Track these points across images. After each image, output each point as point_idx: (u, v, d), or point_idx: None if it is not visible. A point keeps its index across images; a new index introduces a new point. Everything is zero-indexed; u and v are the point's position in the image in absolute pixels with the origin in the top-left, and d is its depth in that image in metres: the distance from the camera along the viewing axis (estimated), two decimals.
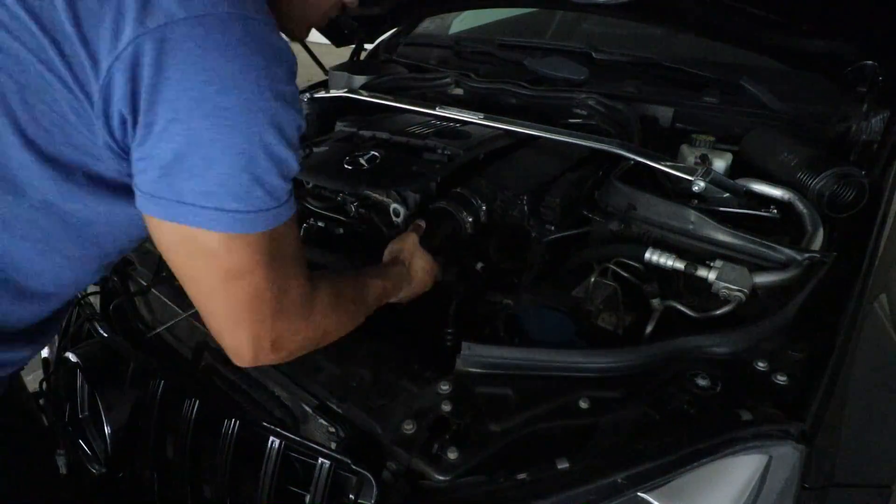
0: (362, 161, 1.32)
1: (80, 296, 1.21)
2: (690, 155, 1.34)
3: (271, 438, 0.86)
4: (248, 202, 0.66)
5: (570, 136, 1.38)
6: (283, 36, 0.77)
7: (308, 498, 0.83)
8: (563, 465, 0.74)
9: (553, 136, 1.40)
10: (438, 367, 0.93)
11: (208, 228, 0.66)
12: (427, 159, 1.34)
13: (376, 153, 1.34)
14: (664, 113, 1.63)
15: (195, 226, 0.66)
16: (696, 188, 1.19)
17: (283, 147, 0.67)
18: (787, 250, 1.05)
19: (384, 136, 1.45)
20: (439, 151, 1.36)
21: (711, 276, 1.03)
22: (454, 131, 1.49)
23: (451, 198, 1.20)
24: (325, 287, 0.82)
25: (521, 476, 0.74)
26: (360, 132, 1.50)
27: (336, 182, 1.31)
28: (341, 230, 1.29)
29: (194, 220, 0.66)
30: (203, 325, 1.07)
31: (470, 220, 1.18)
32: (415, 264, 1.06)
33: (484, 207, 1.20)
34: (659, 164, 1.24)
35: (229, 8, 0.64)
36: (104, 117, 0.65)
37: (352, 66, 2.08)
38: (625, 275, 1.10)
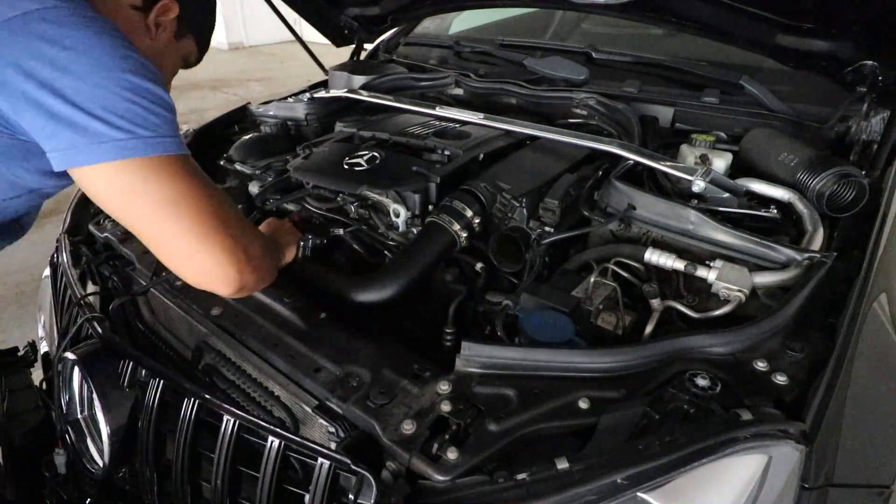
0: (362, 161, 1.32)
1: (80, 296, 1.21)
2: (690, 155, 1.34)
3: (271, 438, 0.86)
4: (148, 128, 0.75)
5: (570, 136, 1.38)
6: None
7: (307, 498, 0.83)
8: (563, 465, 0.74)
9: (553, 136, 1.40)
10: (438, 367, 0.93)
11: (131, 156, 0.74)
12: (427, 159, 1.34)
13: (376, 153, 1.34)
14: (664, 113, 1.64)
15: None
16: (696, 188, 1.19)
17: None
18: (787, 250, 1.04)
19: (384, 136, 1.45)
20: (439, 152, 1.36)
21: (711, 276, 1.03)
22: (454, 131, 1.49)
23: (443, 210, 1.19)
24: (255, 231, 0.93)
25: (521, 476, 0.74)
26: (360, 132, 1.50)
27: (335, 182, 1.31)
28: (341, 231, 1.29)
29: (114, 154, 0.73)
30: (202, 325, 1.08)
31: (464, 234, 1.17)
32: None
33: (477, 219, 1.18)
34: (659, 164, 1.24)
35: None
36: None
37: (352, 66, 2.08)
38: (625, 275, 1.10)
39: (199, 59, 1.15)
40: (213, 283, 0.82)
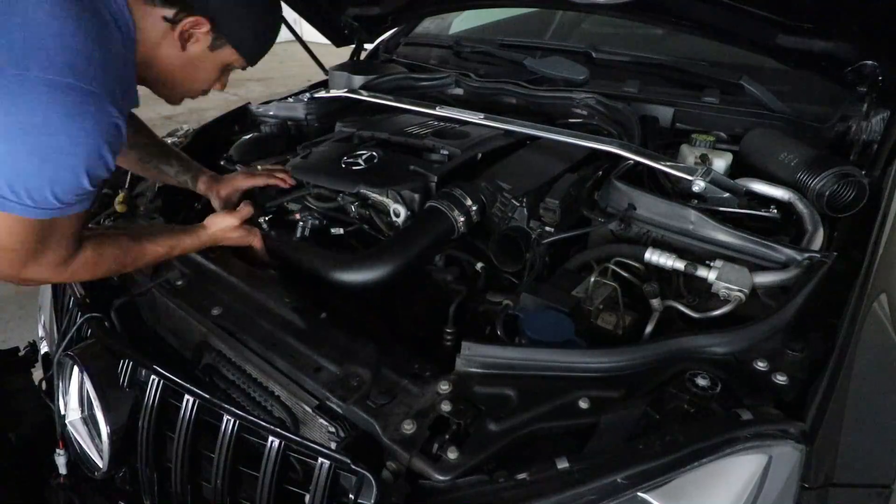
0: (360, 161, 1.32)
1: (80, 295, 1.21)
2: (690, 155, 1.34)
3: (271, 438, 0.86)
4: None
5: (570, 136, 1.38)
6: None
7: (307, 498, 0.83)
8: (563, 465, 0.74)
9: (553, 136, 1.40)
10: (438, 367, 0.93)
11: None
12: (426, 159, 1.34)
13: (374, 153, 1.34)
14: (664, 113, 1.63)
15: None
16: (696, 188, 1.19)
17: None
18: (787, 250, 1.04)
19: (383, 136, 1.45)
20: (438, 151, 1.36)
21: (711, 276, 1.02)
22: (454, 131, 1.48)
23: (443, 196, 1.19)
24: (90, 249, 0.99)
25: (521, 476, 0.74)
26: (360, 132, 1.50)
27: (334, 182, 1.31)
28: (341, 231, 1.29)
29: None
30: (202, 325, 1.09)
31: (462, 219, 1.17)
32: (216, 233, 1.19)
33: (475, 207, 1.19)
34: (659, 164, 1.24)
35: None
36: None
37: (352, 66, 2.08)
38: (625, 275, 1.10)
39: (247, 65, 1.13)
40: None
